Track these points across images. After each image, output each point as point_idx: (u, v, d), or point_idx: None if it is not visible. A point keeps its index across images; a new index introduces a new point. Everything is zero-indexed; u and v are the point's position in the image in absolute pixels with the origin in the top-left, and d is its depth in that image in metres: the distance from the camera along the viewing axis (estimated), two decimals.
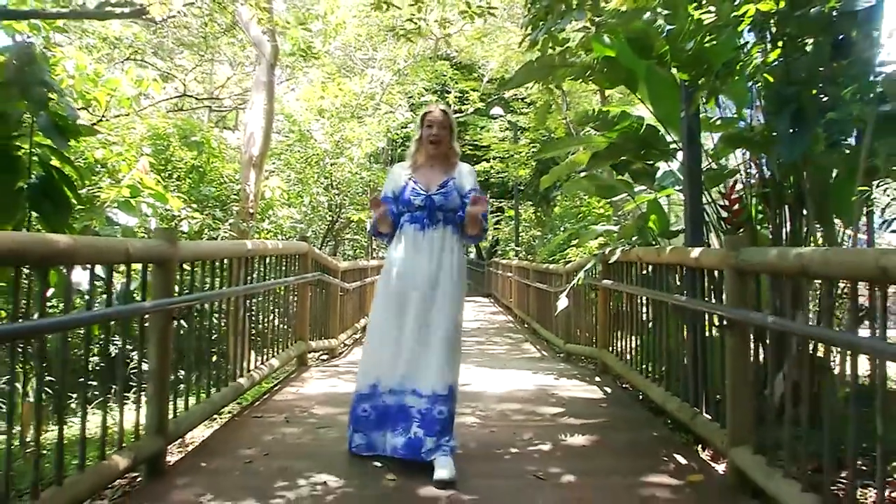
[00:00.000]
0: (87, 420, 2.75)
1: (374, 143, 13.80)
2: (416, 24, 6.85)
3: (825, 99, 3.15)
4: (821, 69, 3.17)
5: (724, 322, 3.37)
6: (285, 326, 6.08)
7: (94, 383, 3.87)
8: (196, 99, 14.80)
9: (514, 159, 16.72)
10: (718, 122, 4.80)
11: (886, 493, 2.01)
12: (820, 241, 4.08)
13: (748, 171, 4.75)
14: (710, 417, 3.67)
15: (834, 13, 3.30)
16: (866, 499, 2.66)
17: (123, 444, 3.01)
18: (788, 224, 4.11)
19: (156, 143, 9.48)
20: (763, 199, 4.41)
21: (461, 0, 6.92)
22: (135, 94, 7.74)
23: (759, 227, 4.58)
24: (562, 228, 12.01)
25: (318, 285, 7.18)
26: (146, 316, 3.25)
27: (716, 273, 3.73)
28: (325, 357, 7.56)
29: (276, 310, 5.83)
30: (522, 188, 17.64)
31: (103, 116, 7.68)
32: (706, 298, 3.84)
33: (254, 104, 9.80)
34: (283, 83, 15.67)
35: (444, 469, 3.18)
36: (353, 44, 15.83)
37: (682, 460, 3.62)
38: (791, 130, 3.19)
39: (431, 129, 3.56)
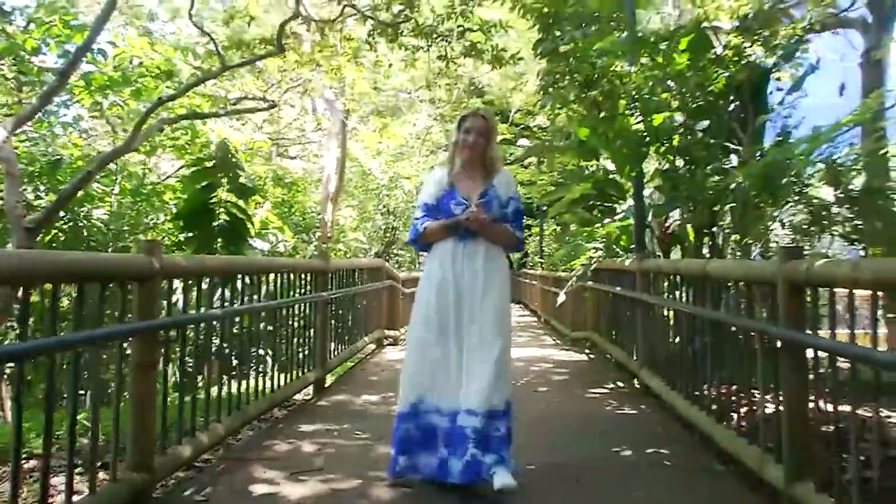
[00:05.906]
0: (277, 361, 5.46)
1: (420, 178, 16.68)
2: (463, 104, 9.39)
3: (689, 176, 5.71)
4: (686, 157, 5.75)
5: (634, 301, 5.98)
6: (371, 316, 8.78)
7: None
8: (270, 138, 17.81)
9: (537, 186, 19.16)
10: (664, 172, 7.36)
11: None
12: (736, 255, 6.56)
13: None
14: (635, 358, 6.24)
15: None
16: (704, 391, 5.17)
17: (308, 370, 5.70)
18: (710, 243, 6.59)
19: (255, 183, 12.31)
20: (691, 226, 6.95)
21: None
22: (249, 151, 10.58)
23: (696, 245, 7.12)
24: (574, 243, 14.55)
25: (388, 290, 9.87)
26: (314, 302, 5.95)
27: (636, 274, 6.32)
28: (390, 343, 10.23)
29: (366, 304, 8.51)
30: (545, 208, 20.15)
31: None
32: (633, 288, 6.43)
33: (329, 151, 12.60)
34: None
35: (503, 477, 3.04)
36: (398, 87, 18.63)
37: (620, 384, 6.21)
38: (670, 194, 5.80)
39: (469, 135, 3.43)
